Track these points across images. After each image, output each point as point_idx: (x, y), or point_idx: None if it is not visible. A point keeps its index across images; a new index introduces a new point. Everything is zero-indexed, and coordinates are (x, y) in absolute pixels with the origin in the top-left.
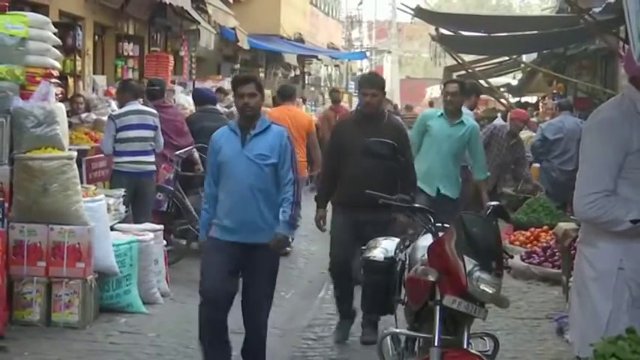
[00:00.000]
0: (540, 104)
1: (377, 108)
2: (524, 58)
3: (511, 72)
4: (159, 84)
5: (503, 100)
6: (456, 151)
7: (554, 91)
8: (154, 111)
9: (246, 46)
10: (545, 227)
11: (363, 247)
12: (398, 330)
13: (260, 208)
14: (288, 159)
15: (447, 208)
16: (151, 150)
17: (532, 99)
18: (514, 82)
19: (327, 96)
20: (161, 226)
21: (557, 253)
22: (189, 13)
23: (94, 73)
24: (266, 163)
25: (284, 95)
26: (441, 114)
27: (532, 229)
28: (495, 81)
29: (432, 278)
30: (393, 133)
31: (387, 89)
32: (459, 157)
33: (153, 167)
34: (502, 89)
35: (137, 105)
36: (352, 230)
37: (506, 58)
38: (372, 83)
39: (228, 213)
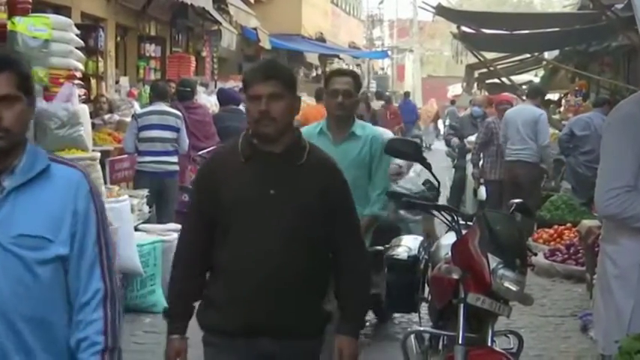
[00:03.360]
0: (563, 101)
1: (284, 127)
2: (546, 55)
3: (533, 69)
4: (189, 85)
5: (524, 98)
6: (351, 182)
7: (577, 89)
8: (178, 113)
9: (267, 46)
10: (568, 225)
11: (387, 246)
12: (422, 328)
13: (26, 356)
14: (91, 245)
15: None
16: (173, 151)
17: (554, 96)
18: (536, 80)
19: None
20: None
21: (580, 251)
22: (210, 14)
23: (116, 75)
24: (40, 258)
25: (318, 97)
26: (321, 129)
27: (555, 226)
28: (517, 78)
29: (455, 276)
30: (319, 182)
31: (409, 88)
32: (364, 188)
33: (175, 167)
34: (524, 87)
35: (161, 106)
36: None
37: (528, 55)
38: (268, 73)
39: None
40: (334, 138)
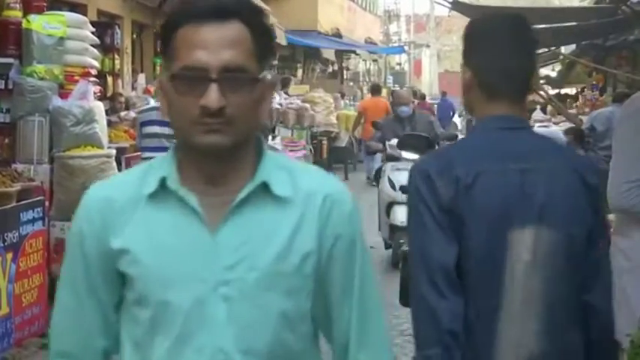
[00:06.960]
0: (580, 96)
1: None
2: (563, 49)
3: (550, 64)
4: None
5: (542, 93)
6: (270, 342)
7: (594, 83)
8: None
9: (283, 42)
10: None
11: (402, 241)
12: None
13: None
14: None
15: None
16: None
17: (571, 90)
18: (553, 74)
19: (365, 90)
20: None
21: None
22: None
23: (133, 72)
24: None
25: (373, 90)
26: (162, 181)
27: None
28: None
29: None
30: None
31: (426, 84)
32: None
33: None
34: (541, 81)
35: None
36: None
37: (545, 49)
38: None
39: None
40: (206, 209)
